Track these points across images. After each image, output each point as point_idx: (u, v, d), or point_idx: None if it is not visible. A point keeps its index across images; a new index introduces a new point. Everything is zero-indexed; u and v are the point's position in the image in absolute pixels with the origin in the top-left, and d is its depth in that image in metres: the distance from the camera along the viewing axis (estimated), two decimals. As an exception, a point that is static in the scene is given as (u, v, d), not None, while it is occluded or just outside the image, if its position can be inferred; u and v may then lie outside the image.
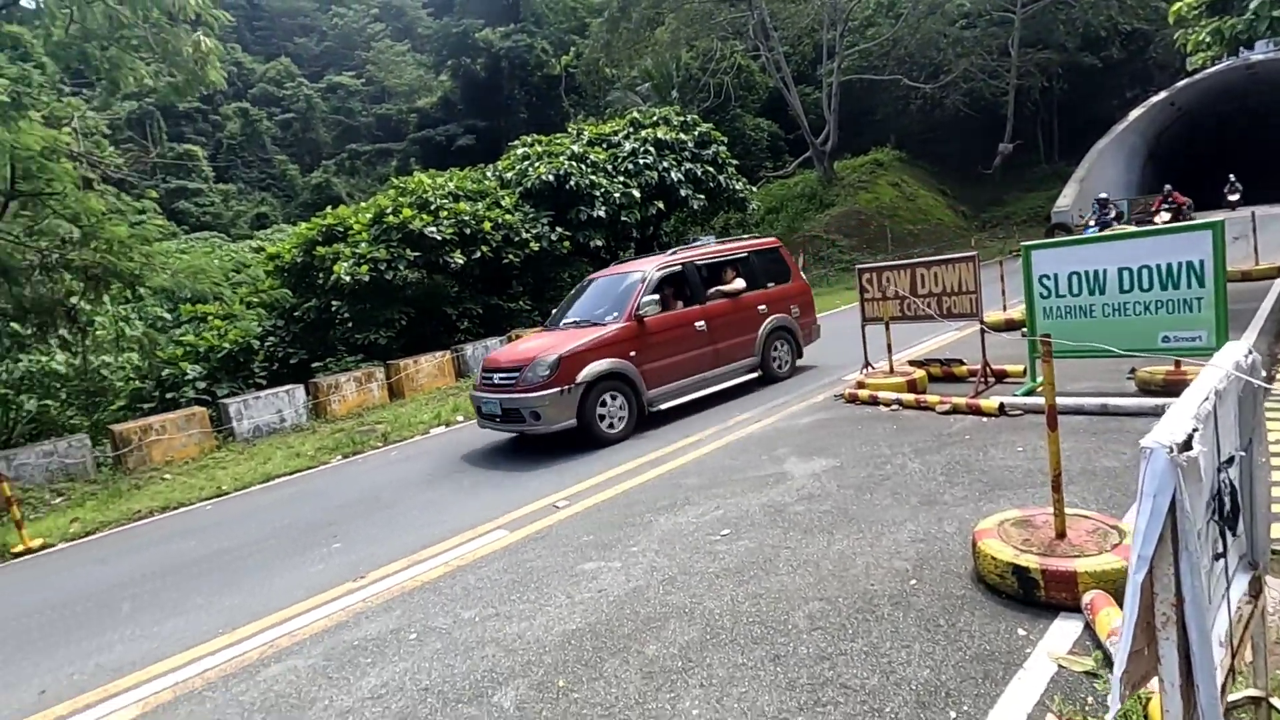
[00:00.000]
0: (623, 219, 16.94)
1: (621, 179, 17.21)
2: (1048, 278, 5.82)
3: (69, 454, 9.47)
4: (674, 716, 2.71)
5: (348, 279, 12.54)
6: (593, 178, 16.65)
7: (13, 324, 12.14)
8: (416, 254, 13.44)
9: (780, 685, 2.80)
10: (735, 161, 20.74)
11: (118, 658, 4.08)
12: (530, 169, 16.69)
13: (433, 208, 14.20)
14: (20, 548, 6.85)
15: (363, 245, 13.34)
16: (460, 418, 10.07)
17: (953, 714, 2.49)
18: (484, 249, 14.25)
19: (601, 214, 16.34)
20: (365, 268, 12.75)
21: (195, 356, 12.95)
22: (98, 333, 12.89)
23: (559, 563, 4.34)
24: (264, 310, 13.08)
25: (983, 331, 6.62)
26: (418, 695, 3.15)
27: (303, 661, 3.64)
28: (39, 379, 12.68)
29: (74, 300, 11.37)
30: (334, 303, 13.73)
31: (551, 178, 16.26)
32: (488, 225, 14.36)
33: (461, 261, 13.73)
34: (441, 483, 6.79)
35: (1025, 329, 6.10)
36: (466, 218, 14.11)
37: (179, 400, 12.08)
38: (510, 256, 14.92)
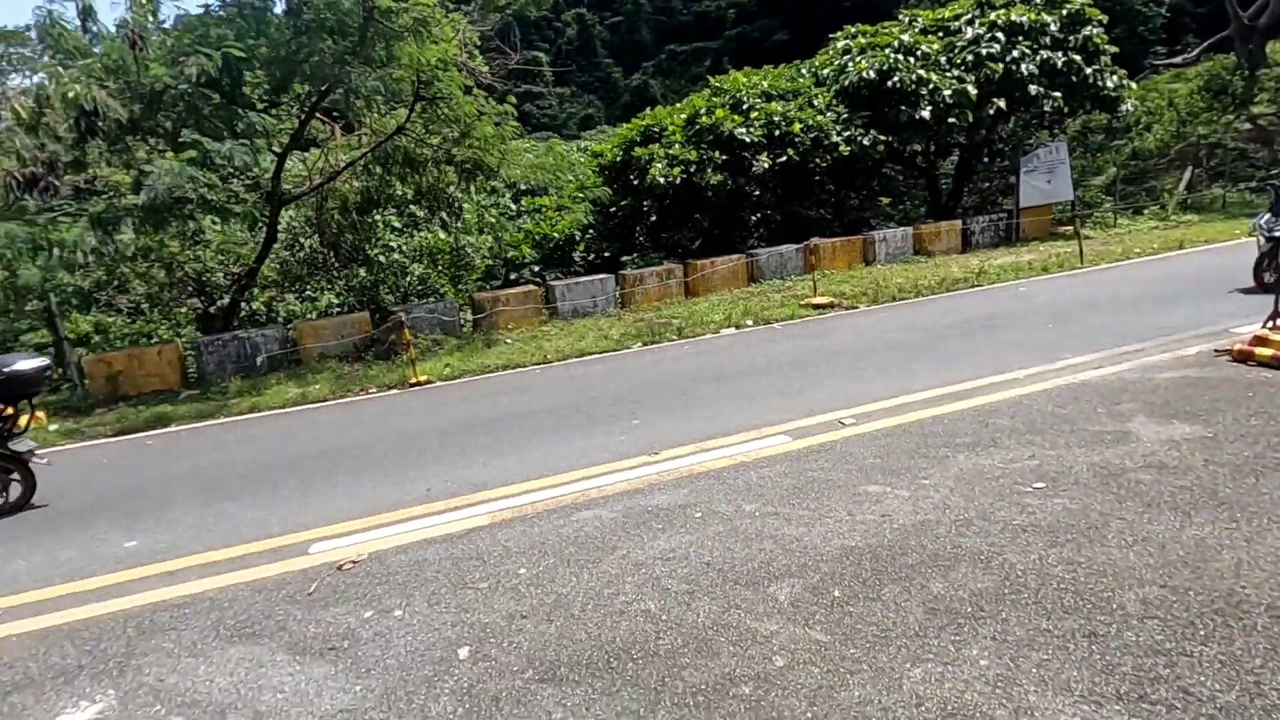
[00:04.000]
0: (949, 120, 14.93)
1: (956, 73, 15.02)
2: None
3: (444, 313, 11.91)
4: (958, 660, 2.58)
5: (661, 181, 13.22)
6: (920, 72, 14.81)
7: (411, 207, 15.36)
8: (724, 156, 13.57)
9: (1094, 665, 2.46)
10: (1113, 49, 16.60)
11: (476, 476, 5.17)
12: (849, 64, 15.43)
13: (744, 108, 14.07)
14: (413, 380, 8.95)
15: (675, 147, 13.86)
16: (750, 322, 10.28)
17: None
18: (790, 152, 13.82)
19: (925, 115, 14.58)
20: (677, 170, 13.30)
21: (532, 243, 15.08)
22: (465, 217, 15.68)
23: (841, 479, 4.30)
24: (590, 204, 14.55)
25: None
26: (700, 567, 3.45)
27: (606, 513, 4.22)
28: (425, 251, 15.97)
29: (451, 189, 13.89)
30: (645, 202, 14.69)
31: (872, 74, 14.86)
32: (797, 127, 13.83)
33: (766, 165, 13.55)
34: (728, 381, 7.09)
35: None
36: (777, 118, 13.73)
37: (519, 279, 14.30)
38: (817, 161, 14.27)
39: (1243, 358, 5.57)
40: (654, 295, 12.83)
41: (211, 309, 13.93)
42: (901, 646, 2.69)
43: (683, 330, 10.17)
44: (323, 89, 11.14)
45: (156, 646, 3.30)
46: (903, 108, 14.68)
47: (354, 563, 3.94)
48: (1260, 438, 4.16)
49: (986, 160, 19.23)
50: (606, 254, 15.27)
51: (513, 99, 13.56)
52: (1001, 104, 15.06)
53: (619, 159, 15.11)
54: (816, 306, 10.74)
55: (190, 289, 14.58)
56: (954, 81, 14.81)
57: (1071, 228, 13.91)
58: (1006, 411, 5.16)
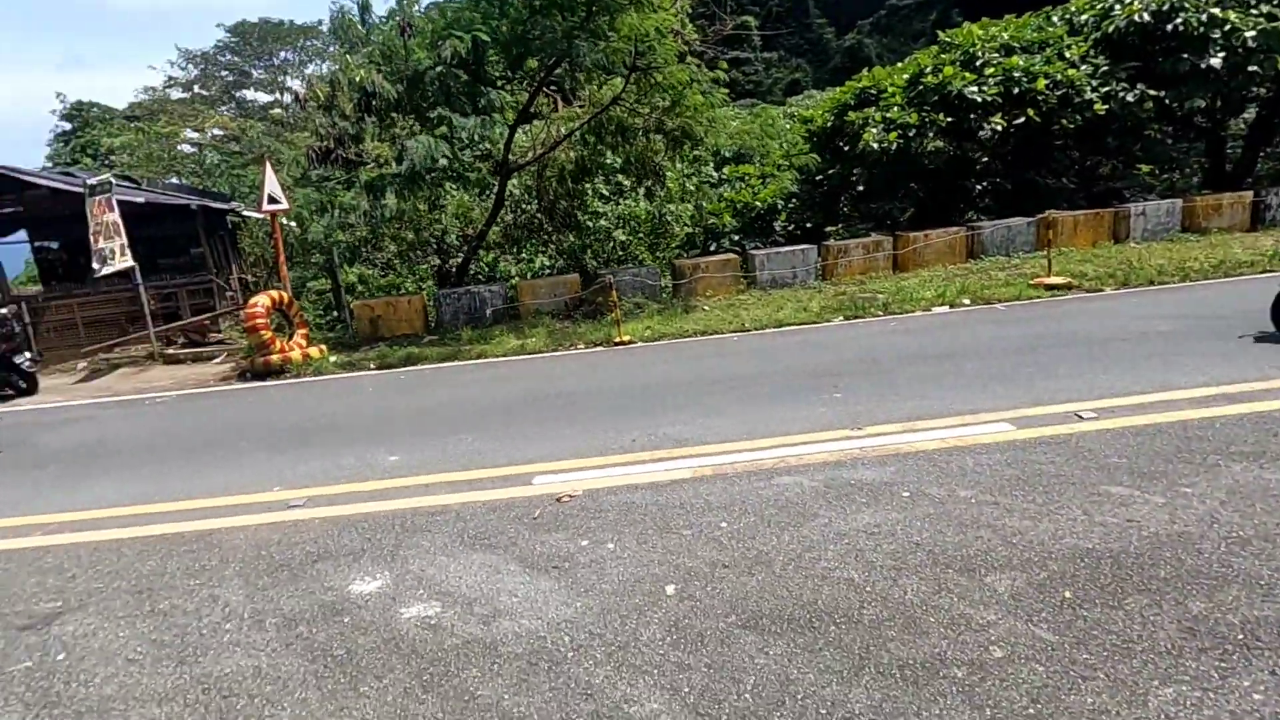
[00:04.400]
0: (1249, 69, 12.27)
1: (1266, 8, 12.25)
2: None
3: (646, 278, 12.40)
4: (1223, 689, 2.27)
5: (875, 146, 12.50)
6: (1213, 11, 12.30)
7: (619, 175, 16.05)
8: (949, 119, 12.44)
9: None
10: None
11: (676, 432, 5.42)
12: (1117, 5, 13.23)
13: (978, 64, 12.72)
14: (617, 339, 9.50)
15: (894, 110, 12.97)
16: (966, 301, 9.47)
17: None
18: (1030, 112, 12.29)
19: (1215, 63, 12.13)
20: (894, 135, 12.47)
21: (733, 211, 15.07)
22: (668, 185, 16.07)
23: (1077, 475, 3.88)
24: (796, 171, 14.18)
25: None
26: (908, 545, 3.35)
27: (807, 481, 4.22)
28: (629, 219, 16.67)
29: (658, 158, 14.28)
30: (854, 170, 13.98)
31: (1147, 15, 12.63)
32: (1041, 83, 12.23)
33: (1000, 127, 12.19)
34: (939, 361, 6.64)
35: None
36: (1017, 74, 12.25)
37: (718, 248, 14.41)
38: (1063, 122, 12.55)
39: None
40: (858, 268, 12.26)
41: (447, 267, 15.81)
42: (1148, 662, 2.42)
43: (888, 306, 9.64)
44: (550, 64, 11.97)
45: (417, 543, 3.95)
46: (1184, 55, 12.33)
47: (571, 497, 4.36)
48: None
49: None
50: (809, 224, 14.83)
51: (724, 65, 13.53)
52: (1330, 45, 12.03)
53: (829, 124, 14.48)
54: (1050, 287, 9.58)
55: (431, 248, 16.66)
56: (1261, 20, 12.10)
57: None
58: (1306, 421, 4.28)
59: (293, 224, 12.45)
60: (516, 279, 14.23)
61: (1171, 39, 12.43)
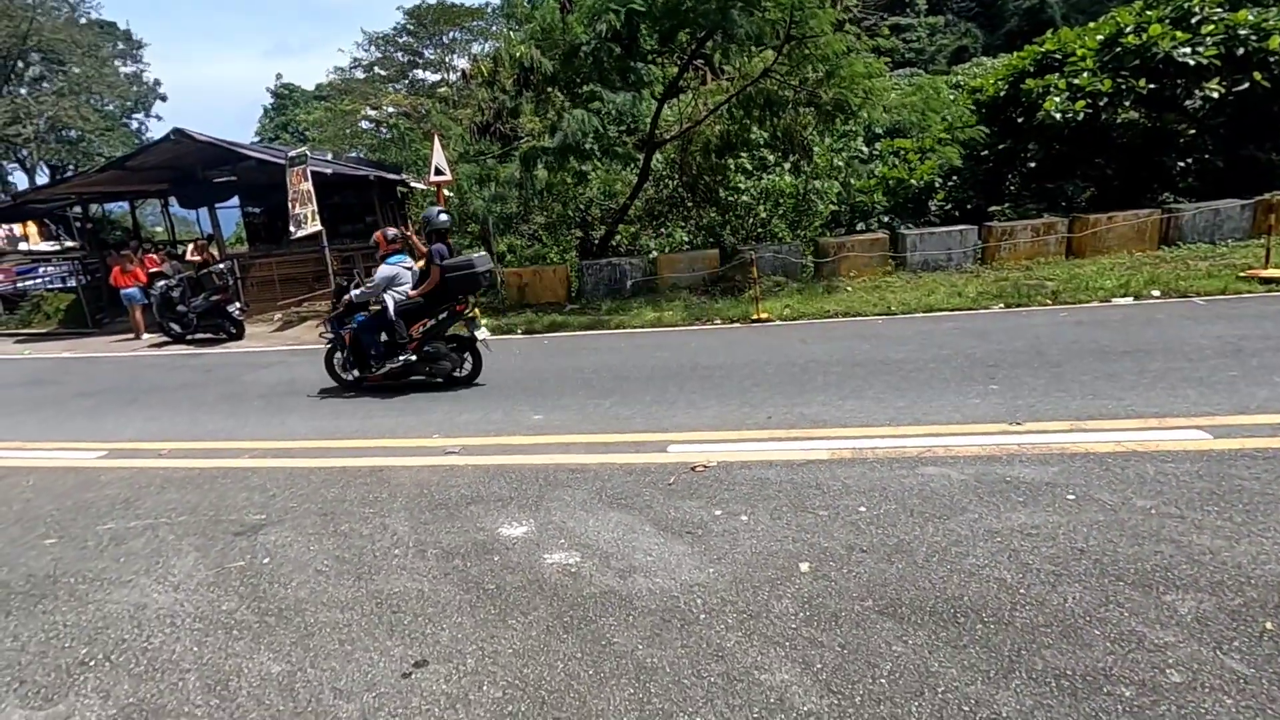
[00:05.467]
0: None
1: None
2: None
3: (787, 255, 12.11)
4: None
5: (1058, 116, 11.28)
6: None
7: (763, 149, 15.67)
8: (1150, 86, 10.95)
9: None
10: None
11: (813, 413, 5.30)
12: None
13: (1193, 21, 11.06)
14: (755, 316, 9.39)
15: (1082, 76, 11.61)
16: (1155, 292, 8.40)
17: None
18: (1257, 76, 10.53)
19: None
20: (1081, 104, 11.18)
21: (884, 189, 14.26)
22: (815, 160, 15.47)
23: (1289, 495, 3.37)
24: (958, 147, 13.14)
25: None
26: (1070, 551, 3.09)
27: (956, 473, 3.99)
28: (771, 194, 16.25)
29: (807, 132, 13.77)
30: (1028, 145, 12.71)
31: None
32: (1275, 41, 10.42)
33: (1216, 95, 10.57)
34: (1119, 358, 5.96)
35: None
36: (1244, 31, 10.52)
37: (865, 227, 13.72)
38: (1300, 87, 10.64)
39: None
40: (1025, 252, 11.21)
41: (589, 239, 16.30)
42: (1373, 713, 2.09)
43: (1058, 294, 8.76)
44: (701, 36, 11.85)
45: (558, 497, 4.18)
46: None
47: (705, 467, 4.42)
48: None
49: None
50: (970, 204, 13.71)
51: (885, 31, 12.71)
52: None
53: (1002, 93, 13.23)
54: (1265, 281, 8.26)
55: (575, 221, 17.24)
56: None
57: None
58: None
59: (452, 195, 13.34)
60: (655, 253, 14.40)
61: None
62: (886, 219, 13.97)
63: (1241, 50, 10.57)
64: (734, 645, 2.67)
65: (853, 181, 15.15)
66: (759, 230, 15.67)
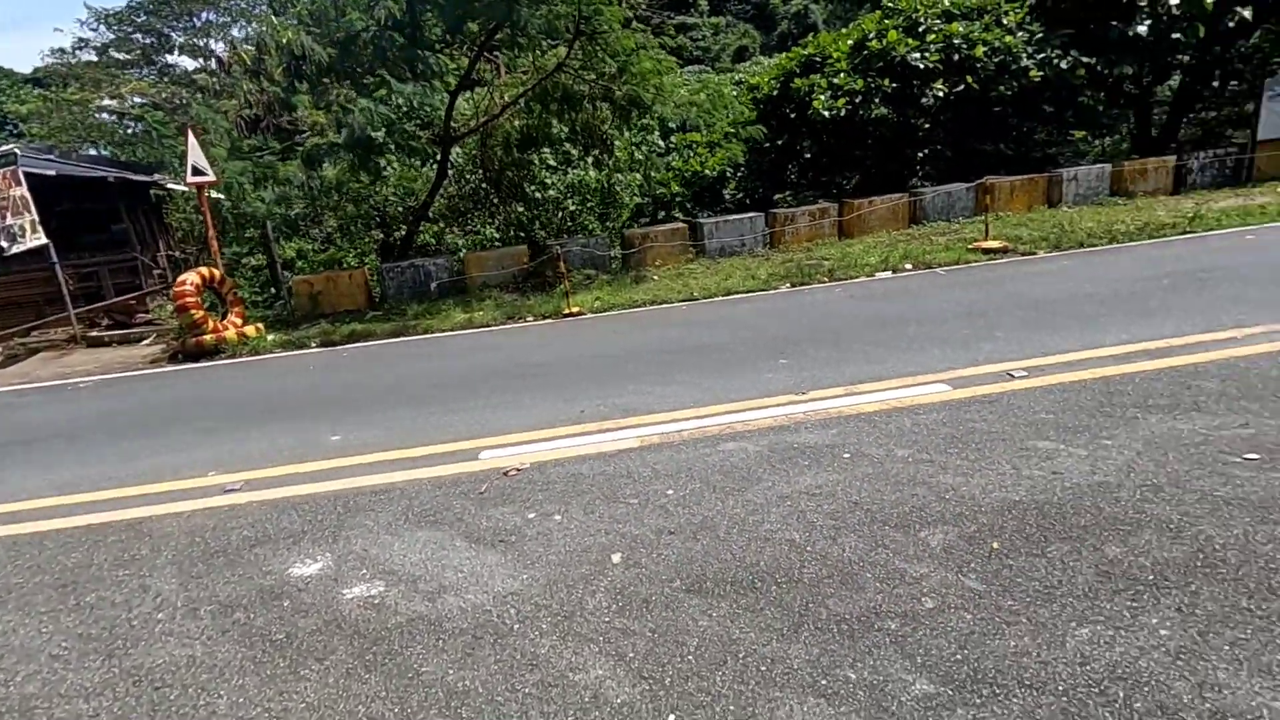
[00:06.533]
0: (1173, 36, 12.71)
1: (1189, -23, 12.66)
2: None
3: (595, 248, 12.28)
4: (1133, 626, 2.41)
5: (826, 114, 12.53)
6: (1144, -22, 12.66)
7: (566, 144, 15.74)
8: (894, 86, 12.56)
9: (1305, 652, 2.21)
10: None
11: (625, 402, 5.42)
12: (1052, -26, 13.50)
13: (920, 30, 12.84)
14: (566, 311, 9.41)
15: (840, 76, 13.01)
16: (908, 266, 9.68)
17: None
18: (969, 79, 12.51)
19: (1141, 31, 12.53)
20: (842, 101, 12.52)
21: (681, 181, 14.98)
22: (617, 155, 15.84)
23: (1007, 431, 4.04)
24: (742, 143, 14.16)
25: None
26: (847, 505, 3.44)
27: (751, 446, 4.28)
28: (578, 188, 16.40)
29: (605, 127, 14.03)
30: (803, 140, 14.02)
31: (1080, -17, 12.92)
32: (980, 50, 12.44)
33: (942, 94, 12.38)
34: (883, 326, 6.79)
35: None
36: (957, 40, 12.42)
37: (667, 217, 14.33)
38: (1000, 89, 12.81)
39: None
40: (805, 235, 12.38)
41: (390, 239, 15.34)
42: (1067, 605, 2.55)
43: (834, 272, 9.78)
44: (491, 27, 11.56)
45: (360, 523, 3.87)
46: (1114, 23, 12.69)
47: (518, 470, 4.33)
48: None
49: (1216, 85, 16.24)
50: (758, 193, 14.86)
51: (671, 30, 13.30)
52: (1246, 13, 12.56)
53: (775, 91, 14.46)
54: (987, 251, 9.87)
55: (374, 221, 16.11)
56: (1186, -14, 12.50)
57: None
58: (1216, 374, 4.54)
59: (221, 196, 11.84)
60: (464, 251, 13.91)
61: (1102, 6, 12.76)
62: (688, 208, 14.70)
63: (957, 56, 12.48)
64: (548, 650, 2.63)
65: (653, 174, 15.74)
66: (570, 224, 15.75)
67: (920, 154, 13.87)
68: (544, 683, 2.46)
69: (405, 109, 11.32)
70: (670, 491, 3.79)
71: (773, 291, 9.40)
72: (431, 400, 6.18)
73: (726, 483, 3.82)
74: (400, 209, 15.81)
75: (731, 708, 2.25)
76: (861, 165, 14.00)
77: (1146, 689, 2.14)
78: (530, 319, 9.59)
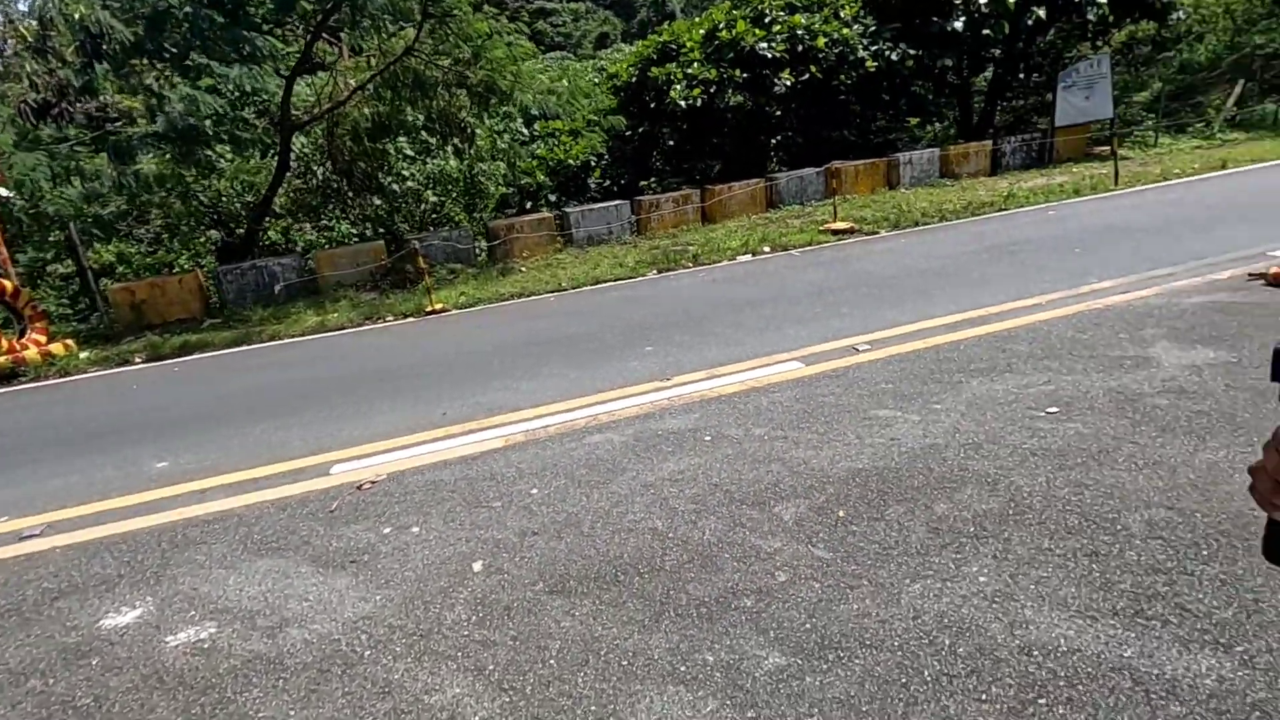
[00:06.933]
0: (984, 32, 14.07)
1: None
2: None
3: (459, 241, 11.84)
4: (957, 577, 2.62)
5: (682, 104, 12.74)
6: (954, -22, 13.88)
7: (423, 132, 15.01)
8: (745, 75, 13.00)
9: (1092, 582, 2.50)
10: (1169, -53, 15.35)
11: (490, 400, 5.25)
12: (880, -31, 14.48)
13: (766, 21, 13.36)
14: (429, 308, 9.00)
15: (695, 65, 13.29)
16: (766, 248, 10.10)
17: (1341, 682, 1.98)
18: (813, 69, 13.19)
19: (958, 26, 13.76)
20: (697, 90, 12.79)
21: (546, 170, 14.75)
22: (478, 143, 15.32)
23: (852, 403, 4.30)
24: (604, 132, 14.16)
25: None
26: (708, 487, 3.51)
27: (617, 437, 4.28)
28: (439, 178, 15.72)
29: (463, 115, 13.50)
30: (663, 127, 14.21)
31: (904, -19, 13.96)
32: (821, 41, 13.14)
33: (789, 83, 12.96)
34: (743, 309, 7.03)
35: None
36: (800, 31, 13.04)
37: (534, 207, 14.07)
38: (841, 78, 13.62)
39: (1278, 281, 5.38)
40: (670, 222, 12.60)
41: (230, 239, 13.98)
42: (902, 564, 2.74)
43: (698, 257, 10.03)
44: (327, 7, 10.74)
45: (189, 559, 3.48)
46: (934, 19, 13.85)
47: (373, 482, 4.07)
48: (1287, 363, 4.06)
49: (1022, 76, 18.22)
50: (623, 181, 14.93)
51: (525, 17, 12.99)
52: (1041, 13, 14.14)
53: (634, 79, 14.55)
54: (836, 232, 10.50)
55: (209, 219, 14.60)
56: (992, -12, 13.86)
57: (1108, 148, 13.26)
58: (1025, 337, 5.07)
59: (11, 195, 10.23)
60: (314, 249, 12.94)
61: (923, 2, 13.87)
62: (553, 198, 14.51)
63: (801, 47, 13.11)
64: (402, 675, 2.48)
65: (517, 163, 15.39)
66: (434, 216, 15.07)
67: (774, 140, 14.50)
68: (396, 710, 2.31)
69: (237, 95, 10.30)
70: (535, 490, 3.71)
71: (640, 279, 9.49)
72: (277, 414, 5.69)
73: (592, 476, 3.79)
74: (239, 205, 14.45)
75: (593, 708, 2.22)
76: (721, 152, 14.43)
77: (968, 634, 2.34)
78: (390, 319, 9.08)
